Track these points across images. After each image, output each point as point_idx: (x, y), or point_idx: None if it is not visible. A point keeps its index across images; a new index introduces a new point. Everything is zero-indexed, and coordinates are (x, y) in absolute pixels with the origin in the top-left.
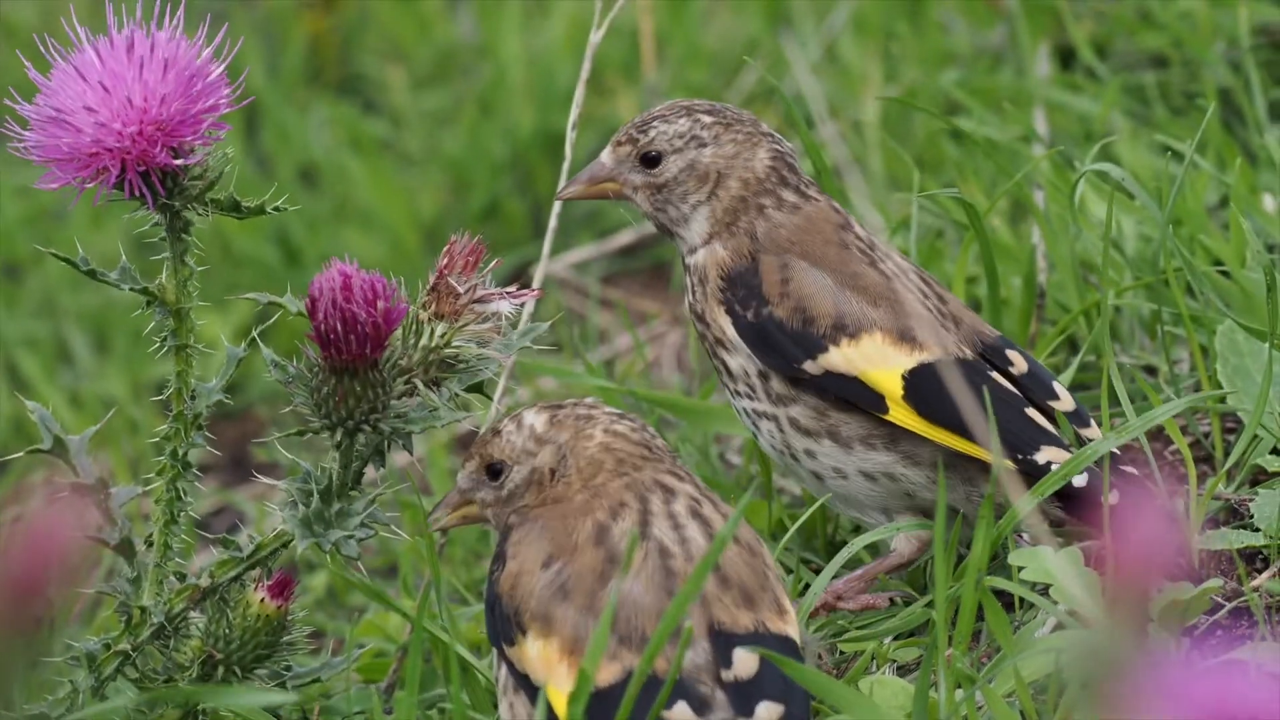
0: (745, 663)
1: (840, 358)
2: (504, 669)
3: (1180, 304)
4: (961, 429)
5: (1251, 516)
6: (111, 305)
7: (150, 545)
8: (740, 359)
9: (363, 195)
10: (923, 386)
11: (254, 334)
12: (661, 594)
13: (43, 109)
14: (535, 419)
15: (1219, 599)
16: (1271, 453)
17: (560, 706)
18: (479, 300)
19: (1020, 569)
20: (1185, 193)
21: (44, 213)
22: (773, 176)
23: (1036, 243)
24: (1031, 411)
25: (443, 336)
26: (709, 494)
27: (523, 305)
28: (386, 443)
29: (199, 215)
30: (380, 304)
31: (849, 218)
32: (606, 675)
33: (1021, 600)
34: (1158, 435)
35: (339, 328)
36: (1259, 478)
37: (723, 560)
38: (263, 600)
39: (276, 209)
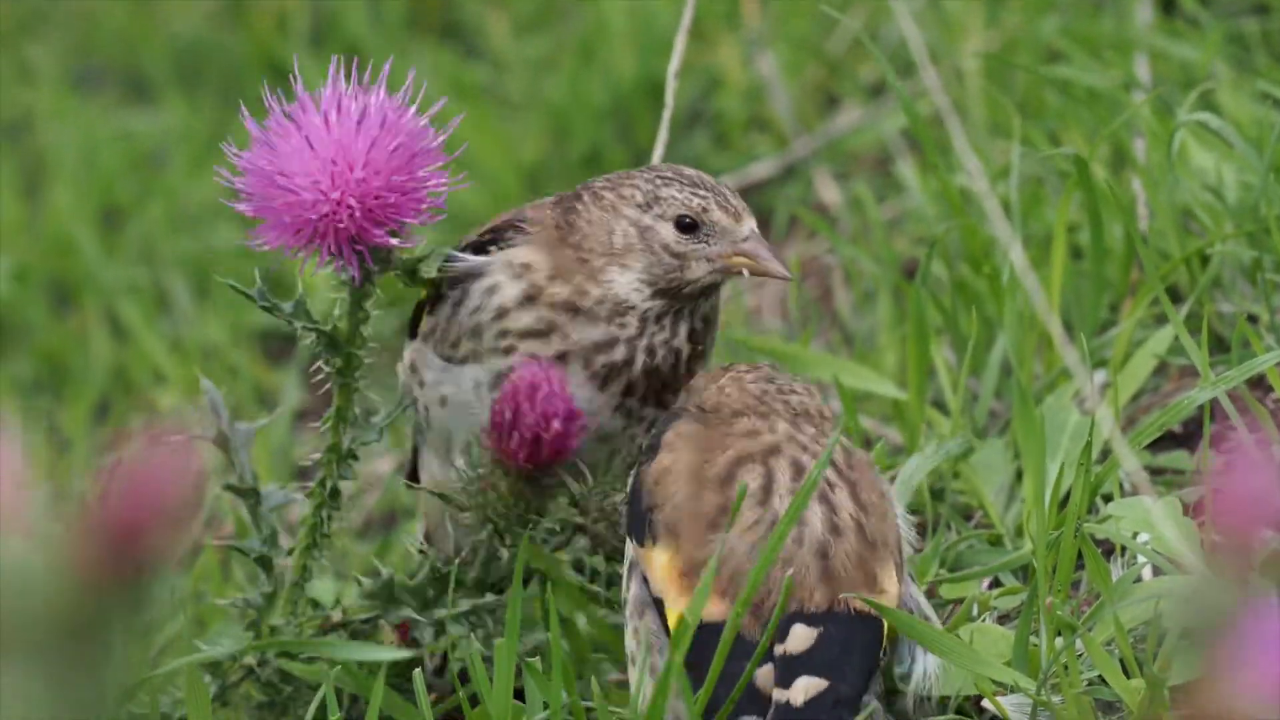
0: (800, 637)
1: None
2: (635, 580)
3: None
4: None
5: None
6: (212, 252)
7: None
8: None
9: (464, 141)
10: None
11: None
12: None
13: (260, 163)
14: None
15: None
16: None
17: (671, 624)
18: None
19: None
20: None
21: (143, 159)
22: None
23: (1137, 191)
24: None
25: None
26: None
27: None
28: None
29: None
30: (555, 423)
31: None
32: (714, 610)
33: (1122, 550)
34: (1258, 384)
35: (509, 418)
36: None
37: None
38: (392, 641)
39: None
